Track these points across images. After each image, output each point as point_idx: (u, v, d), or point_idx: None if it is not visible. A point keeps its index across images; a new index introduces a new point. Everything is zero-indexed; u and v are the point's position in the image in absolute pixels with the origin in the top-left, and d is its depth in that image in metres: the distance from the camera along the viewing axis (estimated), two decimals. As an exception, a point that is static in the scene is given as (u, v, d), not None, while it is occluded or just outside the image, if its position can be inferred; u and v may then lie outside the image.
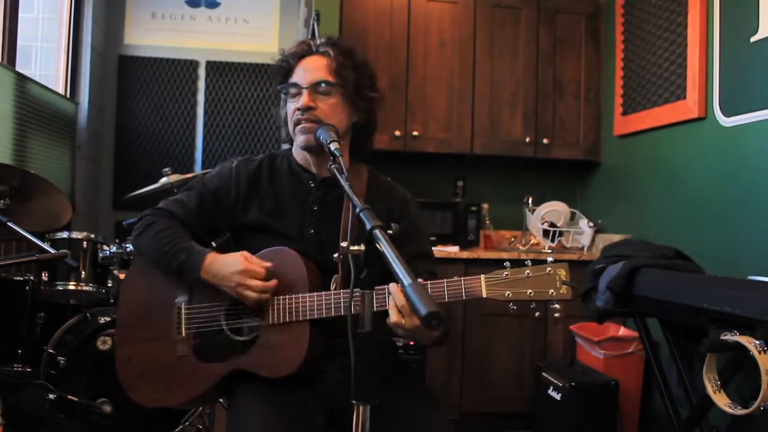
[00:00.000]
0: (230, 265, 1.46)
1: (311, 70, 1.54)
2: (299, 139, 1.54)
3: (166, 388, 1.52)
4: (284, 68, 1.58)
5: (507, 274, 1.36)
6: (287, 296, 1.46)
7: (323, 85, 1.52)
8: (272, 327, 1.46)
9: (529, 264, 1.38)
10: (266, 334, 1.47)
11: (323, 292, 1.44)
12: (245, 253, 1.49)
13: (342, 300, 1.42)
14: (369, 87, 1.59)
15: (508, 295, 1.36)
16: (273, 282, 1.46)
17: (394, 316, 1.26)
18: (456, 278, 1.38)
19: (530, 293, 1.36)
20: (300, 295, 1.45)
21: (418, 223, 1.65)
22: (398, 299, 1.26)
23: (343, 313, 1.42)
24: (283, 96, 1.61)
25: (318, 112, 1.51)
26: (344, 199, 1.53)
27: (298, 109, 1.52)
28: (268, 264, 1.47)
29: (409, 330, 1.27)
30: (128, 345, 1.57)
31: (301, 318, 1.44)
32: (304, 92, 1.52)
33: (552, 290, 1.36)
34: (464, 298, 1.37)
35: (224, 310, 1.51)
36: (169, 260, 1.51)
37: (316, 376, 1.52)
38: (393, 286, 1.27)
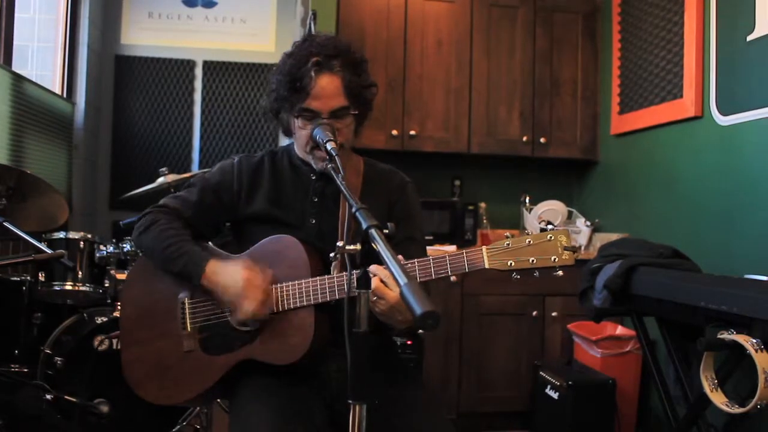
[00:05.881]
0: (233, 276, 1.44)
1: (328, 96, 1.49)
2: (319, 165, 1.53)
3: (174, 385, 1.52)
4: (296, 88, 1.50)
5: (508, 244, 1.37)
6: (289, 283, 1.45)
7: (341, 110, 1.51)
8: (277, 314, 1.46)
9: (530, 233, 1.38)
10: (271, 322, 1.46)
11: (325, 276, 1.44)
12: (247, 261, 1.46)
13: (345, 283, 1.41)
14: (369, 87, 1.59)
15: (511, 264, 1.36)
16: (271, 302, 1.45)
17: (374, 282, 1.26)
18: (458, 251, 1.39)
19: (533, 261, 1.36)
20: (303, 280, 1.45)
21: (413, 208, 1.66)
22: (381, 273, 1.27)
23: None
24: (294, 114, 1.54)
25: (340, 139, 1.48)
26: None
27: None
28: (269, 272, 1.45)
29: (390, 304, 1.28)
30: (134, 346, 1.56)
31: (305, 303, 1.44)
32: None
33: (554, 256, 1.35)
34: (467, 270, 1.38)
35: None
36: (170, 264, 1.52)
37: (318, 376, 1.52)
38: (373, 267, 1.26)
